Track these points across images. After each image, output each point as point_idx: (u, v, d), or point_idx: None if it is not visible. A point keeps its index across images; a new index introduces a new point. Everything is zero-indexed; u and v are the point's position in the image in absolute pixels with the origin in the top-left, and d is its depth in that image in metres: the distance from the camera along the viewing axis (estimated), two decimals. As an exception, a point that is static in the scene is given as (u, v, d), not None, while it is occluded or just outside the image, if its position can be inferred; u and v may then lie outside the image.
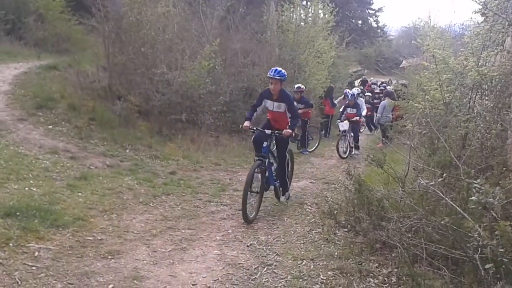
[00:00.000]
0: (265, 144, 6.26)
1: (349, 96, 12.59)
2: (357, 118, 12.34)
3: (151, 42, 11.17)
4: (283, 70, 6.37)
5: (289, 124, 6.42)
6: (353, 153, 12.35)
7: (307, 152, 12.45)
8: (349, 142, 12.27)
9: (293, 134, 6.43)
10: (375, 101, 18.28)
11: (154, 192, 6.91)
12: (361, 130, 15.57)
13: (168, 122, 10.65)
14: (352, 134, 12.41)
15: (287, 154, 6.86)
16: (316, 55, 17.25)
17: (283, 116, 6.60)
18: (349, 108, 12.54)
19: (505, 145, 5.88)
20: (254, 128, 6.48)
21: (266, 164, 6.28)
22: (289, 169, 7.23)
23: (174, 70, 11.13)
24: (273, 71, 6.29)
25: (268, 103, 6.64)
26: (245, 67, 14.16)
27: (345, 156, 11.93)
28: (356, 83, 25.93)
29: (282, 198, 6.95)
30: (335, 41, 19.14)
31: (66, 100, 9.94)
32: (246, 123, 6.37)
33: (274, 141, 6.58)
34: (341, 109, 13.22)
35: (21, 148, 7.36)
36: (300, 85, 12.38)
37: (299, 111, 11.18)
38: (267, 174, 6.40)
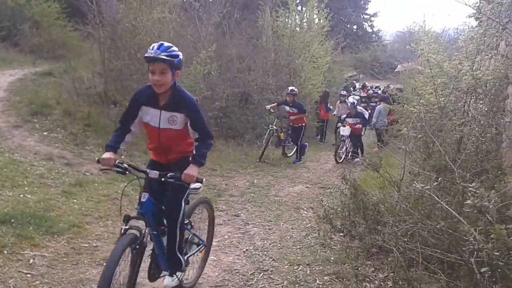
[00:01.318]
0: (144, 197, 3.38)
1: (349, 105, 12.28)
2: (359, 126, 12.08)
3: (146, 47, 11.08)
4: (174, 47, 3.42)
5: (194, 154, 3.56)
6: (355, 159, 11.76)
7: (299, 162, 11.60)
8: (346, 148, 11.97)
9: (203, 180, 3.53)
10: (362, 104, 18.13)
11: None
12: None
13: (163, 128, 10.60)
14: (350, 141, 12.06)
15: (181, 215, 3.65)
16: (311, 60, 17.31)
17: (179, 138, 3.62)
18: (351, 118, 12.08)
19: (500, 148, 5.90)
20: (121, 165, 3.37)
21: (144, 239, 3.34)
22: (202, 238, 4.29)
23: (170, 76, 11.09)
24: (155, 46, 3.38)
25: (149, 115, 3.57)
26: (240, 73, 14.19)
27: (340, 161, 11.66)
28: (358, 85, 26.05)
29: (169, 282, 3.78)
30: (330, 46, 19.20)
31: (62, 106, 9.92)
32: (107, 155, 3.42)
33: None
34: (342, 117, 12.93)
35: (16, 155, 7.33)
36: (293, 87, 11.91)
37: (291, 117, 11.36)
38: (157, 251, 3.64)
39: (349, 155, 12.06)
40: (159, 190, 3.55)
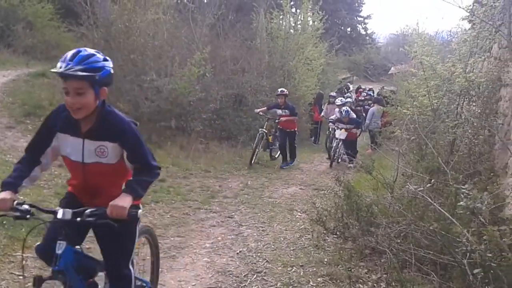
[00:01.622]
0: (60, 248, 2.45)
1: (343, 113, 11.63)
2: (355, 130, 11.90)
3: (140, 49, 11.15)
4: (98, 55, 2.52)
5: (130, 180, 2.63)
6: (350, 164, 11.04)
7: (286, 166, 10.97)
8: (339, 151, 11.72)
9: (138, 212, 2.47)
10: (358, 108, 17.93)
11: (143, 199, 6.82)
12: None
13: (157, 129, 10.61)
14: (343, 144, 11.66)
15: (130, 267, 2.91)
16: (305, 62, 17.35)
17: (113, 175, 2.71)
18: (344, 125, 11.66)
19: (492, 150, 5.94)
20: (20, 207, 2.46)
21: None
22: None
23: (164, 77, 11.11)
24: (68, 56, 2.46)
25: (69, 146, 2.66)
26: (235, 74, 14.20)
27: (334, 162, 11.55)
28: (351, 87, 26.07)
29: None
30: (324, 48, 19.25)
31: (55, 107, 9.83)
32: (2, 195, 2.45)
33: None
34: (330, 118, 12.61)
35: (9, 156, 7.27)
36: (283, 88, 11.48)
37: (282, 118, 10.78)
38: None
39: (342, 157, 11.82)
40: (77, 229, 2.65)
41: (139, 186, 2.59)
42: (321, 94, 17.38)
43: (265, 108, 11.21)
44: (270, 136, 10.93)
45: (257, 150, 10.56)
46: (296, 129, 11.30)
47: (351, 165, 10.56)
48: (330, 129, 12.68)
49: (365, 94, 19.87)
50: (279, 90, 11.24)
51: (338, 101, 13.16)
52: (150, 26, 11.86)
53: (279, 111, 10.82)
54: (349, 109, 12.01)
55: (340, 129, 11.60)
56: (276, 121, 10.90)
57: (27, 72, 12.57)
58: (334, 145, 11.63)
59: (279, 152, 11.32)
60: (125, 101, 10.70)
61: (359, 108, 17.56)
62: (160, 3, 12.43)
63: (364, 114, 16.89)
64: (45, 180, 6.68)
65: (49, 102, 10.02)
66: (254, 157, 10.43)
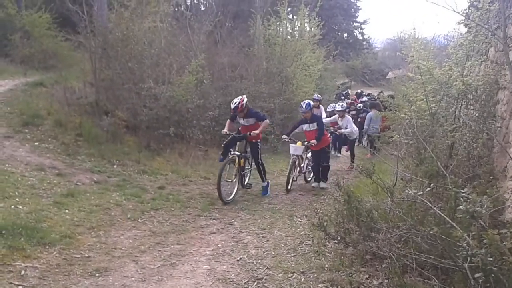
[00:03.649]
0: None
1: (304, 106, 9.12)
2: (314, 142, 8.86)
3: (138, 57, 11.17)
4: None
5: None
6: (318, 184, 9.47)
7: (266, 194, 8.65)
8: (301, 169, 9.55)
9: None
10: (352, 112, 17.40)
11: (143, 207, 6.85)
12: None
13: (156, 137, 10.61)
14: (311, 159, 9.76)
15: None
16: (303, 68, 17.39)
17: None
18: (306, 125, 9.22)
19: (491, 154, 5.94)
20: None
21: None
22: None
23: (162, 85, 11.12)
24: None
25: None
26: (233, 81, 14.23)
27: (289, 188, 8.98)
28: (350, 92, 26.08)
29: None
30: (322, 54, 19.31)
31: (53, 116, 9.87)
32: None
33: None
34: (285, 137, 9.34)
35: (7, 165, 7.26)
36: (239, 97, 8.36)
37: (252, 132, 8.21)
38: None
39: (307, 176, 9.96)
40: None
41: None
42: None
43: (228, 121, 8.60)
44: (241, 159, 8.29)
45: (230, 179, 8.00)
46: (257, 140, 8.58)
47: (324, 185, 9.36)
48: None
49: (361, 105, 19.09)
50: (233, 101, 8.25)
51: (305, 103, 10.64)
52: (148, 34, 11.89)
53: (241, 120, 8.47)
54: (311, 103, 9.38)
55: (296, 142, 9.20)
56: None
57: (24, 82, 12.58)
58: (290, 163, 9.09)
59: (248, 178, 9.03)
60: (123, 109, 10.72)
61: (353, 113, 17.31)
62: (158, 11, 12.50)
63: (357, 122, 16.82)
64: (44, 189, 6.67)
65: (47, 111, 10.03)
66: (234, 191, 8.03)
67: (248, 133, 8.15)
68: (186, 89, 11.18)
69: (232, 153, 8.06)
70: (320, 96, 13.57)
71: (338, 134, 11.90)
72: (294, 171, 9.25)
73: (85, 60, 11.95)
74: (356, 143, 13.43)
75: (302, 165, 9.54)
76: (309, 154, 9.72)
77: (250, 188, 8.74)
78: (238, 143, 8.40)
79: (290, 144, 9.23)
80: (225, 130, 8.31)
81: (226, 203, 7.57)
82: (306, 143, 9.14)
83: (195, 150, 11.22)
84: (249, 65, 15.78)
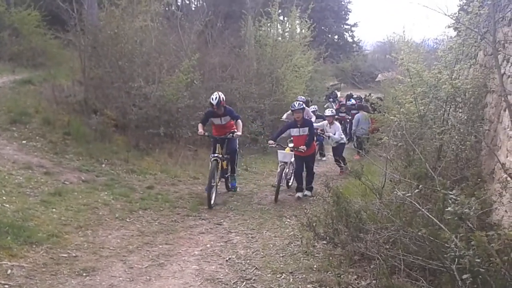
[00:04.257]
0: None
1: (297, 105, 8.44)
2: (304, 148, 8.18)
3: (128, 55, 11.11)
4: None
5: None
6: (304, 194, 8.58)
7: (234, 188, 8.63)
8: (285, 175, 8.70)
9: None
10: (341, 114, 17.22)
11: (131, 207, 6.81)
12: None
13: (145, 136, 10.55)
14: (294, 166, 8.84)
15: None
16: (293, 69, 17.44)
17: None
18: (295, 129, 8.43)
19: (479, 156, 5.99)
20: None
21: None
22: None
23: (152, 84, 11.07)
24: None
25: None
26: (223, 81, 14.19)
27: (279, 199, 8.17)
28: (339, 94, 26.13)
29: None
30: (312, 56, 19.37)
31: (41, 114, 9.77)
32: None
33: None
34: (272, 142, 8.65)
35: (-6, 163, 7.18)
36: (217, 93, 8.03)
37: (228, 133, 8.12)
38: None
39: (289, 181, 9.22)
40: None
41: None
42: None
43: (199, 123, 8.28)
44: (224, 161, 8.12)
45: (214, 182, 7.69)
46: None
47: (309, 193, 8.61)
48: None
49: (350, 103, 19.24)
50: (212, 97, 7.96)
51: (313, 107, 12.45)
52: (138, 33, 11.83)
53: (216, 121, 8.24)
54: (302, 104, 8.80)
55: (285, 147, 8.61)
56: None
57: (13, 79, 12.43)
58: (279, 171, 8.44)
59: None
60: (112, 107, 10.66)
61: (342, 114, 17.32)
62: (148, 10, 12.41)
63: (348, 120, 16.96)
64: (31, 188, 6.60)
65: (35, 109, 9.94)
66: (213, 196, 7.60)
67: (230, 134, 8.01)
68: (176, 88, 11.14)
69: (214, 156, 7.83)
70: (304, 97, 12.49)
71: (324, 137, 11.58)
72: (283, 179, 8.52)
73: (75, 58, 11.87)
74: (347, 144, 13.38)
75: (286, 171, 8.67)
76: (292, 159, 8.73)
77: (235, 191, 8.51)
78: (217, 145, 8.03)
79: (278, 150, 8.58)
80: (201, 130, 7.96)
81: (211, 208, 7.32)
82: (295, 148, 8.36)
83: (185, 150, 11.19)
84: (240, 66, 15.77)
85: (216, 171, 7.71)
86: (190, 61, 11.62)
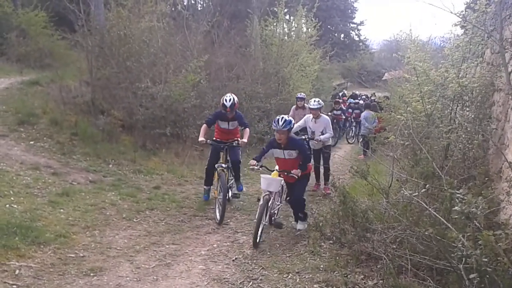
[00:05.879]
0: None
1: (280, 123, 5.94)
2: (298, 173, 5.95)
3: (135, 56, 11.15)
4: None
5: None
6: (297, 227, 6.39)
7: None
8: (270, 208, 6.10)
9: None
10: (336, 113, 17.08)
11: (138, 207, 6.83)
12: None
13: (152, 136, 10.59)
14: (283, 194, 6.82)
15: None
16: (300, 69, 17.44)
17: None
18: (278, 150, 6.20)
19: (486, 155, 5.95)
20: None
21: None
22: None
23: (158, 84, 11.11)
24: None
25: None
26: (229, 81, 14.23)
27: (260, 240, 5.75)
28: (346, 93, 26.06)
29: None
30: (318, 55, 19.34)
31: (48, 115, 9.83)
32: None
33: None
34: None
35: (2, 164, 7.22)
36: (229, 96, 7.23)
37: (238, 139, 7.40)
38: None
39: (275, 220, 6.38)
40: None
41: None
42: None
43: (204, 125, 7.41)
44: (228, 171, 7.38)
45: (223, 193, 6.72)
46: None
47: (301, 225, 6.36)
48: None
49: (352, 102, 19.24)
50: (225, 98, 7.21)
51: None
52: (145, 33, 11.86)
53: (223, 124, 7.53)
54: (292, 120, 6.20)
55: (272, 170, 6.27)
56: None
57: (20, 80, 12.52)
58: (261, 203, 5.83)
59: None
60: (119, 108, 10.70)
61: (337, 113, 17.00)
62: (155, 11, 12.46)
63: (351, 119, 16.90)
64: (39, 188, 6.65)
65: (43, 110, 9.99)
66: (223, 214, 6.61)
67: (235, 141, 7.24)
68: (183, 88, 11.17)
69: (220, 166, 7.07)
70: (304, 94, 11.00)
71: (316, 142, 8.46)
72: (266, 215, 6.00)
73: (82, 59, 11.93)
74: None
75: (270, 203, 6.07)
76: (280, 188, 6.34)
77: (238, 198, 7.63)
78: (221, 153, 7.27)
79: (261, 175, 6.16)
80: (202, 138, 7.08)
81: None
82: (285, 173, 6.10)
83: (191, 150, 11.20)
84: (246, 65, 15.79)
85: (225, 180, 6.86)
86: (198, 61, 11.66)
